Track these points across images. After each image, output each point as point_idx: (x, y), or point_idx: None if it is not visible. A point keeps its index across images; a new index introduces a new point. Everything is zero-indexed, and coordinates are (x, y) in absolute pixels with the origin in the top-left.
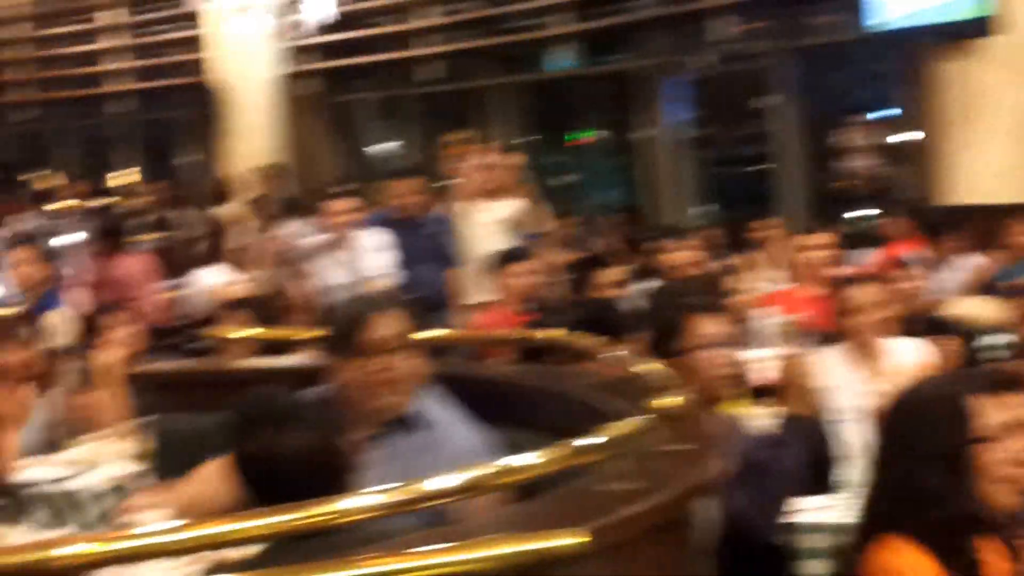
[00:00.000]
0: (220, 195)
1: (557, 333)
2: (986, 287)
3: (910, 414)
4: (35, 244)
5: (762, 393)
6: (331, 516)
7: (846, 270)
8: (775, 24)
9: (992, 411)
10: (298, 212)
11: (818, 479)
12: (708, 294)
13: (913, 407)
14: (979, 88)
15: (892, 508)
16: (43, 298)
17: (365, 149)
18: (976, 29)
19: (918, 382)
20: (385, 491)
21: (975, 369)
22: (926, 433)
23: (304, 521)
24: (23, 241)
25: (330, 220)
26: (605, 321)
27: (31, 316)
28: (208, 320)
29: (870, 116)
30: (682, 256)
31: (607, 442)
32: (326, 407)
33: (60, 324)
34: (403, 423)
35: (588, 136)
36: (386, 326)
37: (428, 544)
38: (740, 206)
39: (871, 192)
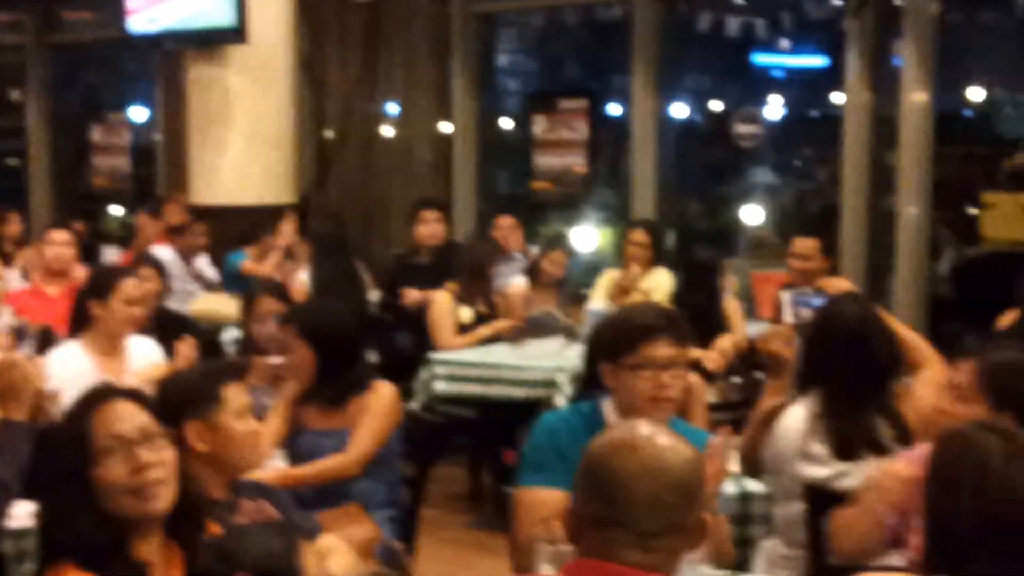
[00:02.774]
0: None
1: None
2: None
3: (47, 439)
4: None
5: None
6: None
7: (84, 267)
8: (30, 18)
9: (114, 421)
10: None
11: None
12: None
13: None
14: (223, 93)
15: (49, 535)
16: None
17: None
18: (224, 37)
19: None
20: None
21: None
22: (52, 457)
23: None
24: None
25: None
26: None
27: None
28: None
29: (126, 116)
30: None
31: None
32: None
33: None
34: None
35: None
36: None
37: None
38: None
39: (124, 190)
